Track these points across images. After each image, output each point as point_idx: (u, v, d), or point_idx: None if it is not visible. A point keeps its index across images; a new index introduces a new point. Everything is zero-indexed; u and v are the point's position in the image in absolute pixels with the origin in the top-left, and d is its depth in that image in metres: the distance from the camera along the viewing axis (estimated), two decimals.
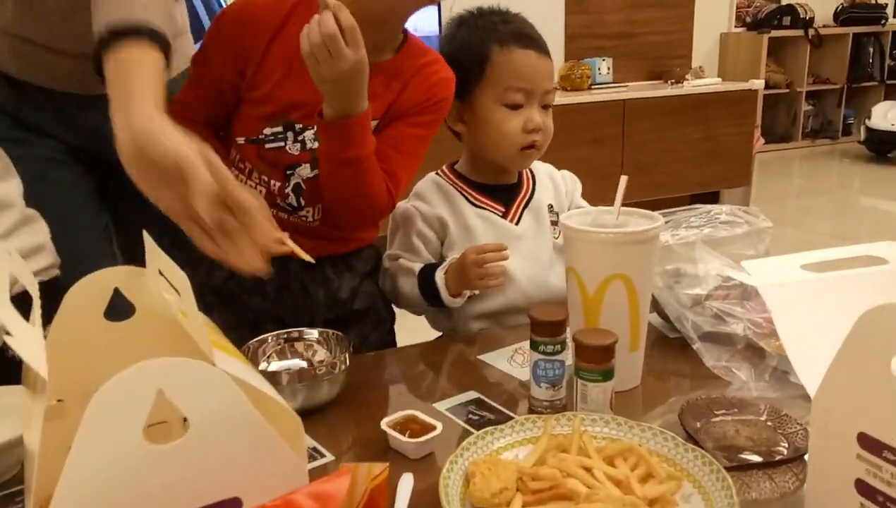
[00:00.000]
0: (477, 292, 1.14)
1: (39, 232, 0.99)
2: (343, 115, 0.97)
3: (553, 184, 1.28)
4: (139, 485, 0.45)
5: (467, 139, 1.21)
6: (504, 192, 1.24)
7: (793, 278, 0.67)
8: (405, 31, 1.11)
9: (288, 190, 1.11)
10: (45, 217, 1.03)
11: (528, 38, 1.15)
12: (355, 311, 1.19)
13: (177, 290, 0.57)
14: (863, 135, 5.56)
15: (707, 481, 0.66)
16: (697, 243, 0.98)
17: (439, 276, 1.12)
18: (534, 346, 0.84)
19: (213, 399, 0.46)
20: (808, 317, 0.60)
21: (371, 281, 1.21)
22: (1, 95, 1.14)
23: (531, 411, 0.85)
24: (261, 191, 1.11)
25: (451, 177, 1.24)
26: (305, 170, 1.10)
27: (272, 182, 1.11)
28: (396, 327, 1.28)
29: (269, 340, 0.92)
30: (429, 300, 1.14)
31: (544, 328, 0.83)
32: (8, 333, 0.46)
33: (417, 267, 1.16)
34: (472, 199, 1.21)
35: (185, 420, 0.48)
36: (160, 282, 0.62)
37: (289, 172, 1.10)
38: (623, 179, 0.90)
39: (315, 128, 1.05)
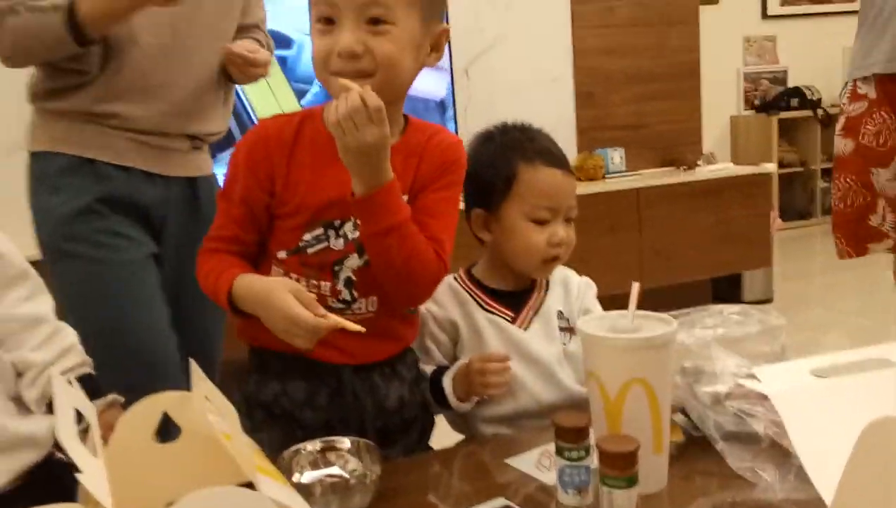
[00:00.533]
0: (486, 397, 1.18)
1: (68, 336, 1.13)
2: (373, 186, 1.02)
3: (565, 290, 1.33)
4: None
5: (491, 246, 1.27)
6: (515, 298, 1.29)
7: (802, 384, 0.70)
8: (405, 115, 1.19)
9: (339, 286, 1.13)
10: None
11: (552, 155, 1.24)
12: (404, 421, 1.21)
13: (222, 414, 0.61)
14: None
15: None
16: (713, 343, 1.01)
17: (446, 381, 1.17)
18: (559, 452, 0.86)
19: None
20: (819, 423, 0.63)
21: (418, 390, 1.23)
22: (115, 186, 1.43)
23: None
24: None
25: (466, 281, 1.29)
26: (353, 261, 1.13)
27: (322, 284, 1.13)
28: None
29: (303, 451, 0.95)
30: (438, 402, 1.18)
31: (568, 434, 0.85)
32: (78, 470, 0.50)
33: (429, 370, 1.21)
34: (483, 304, 1.26)
35: None
36: (206, 406, 0.66)
37: (336, 268, 1.13)
38: (635, 286, 0.94)
39: (353, 219, 1.11)
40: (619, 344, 0.89)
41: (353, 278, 1.14)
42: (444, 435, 1.27)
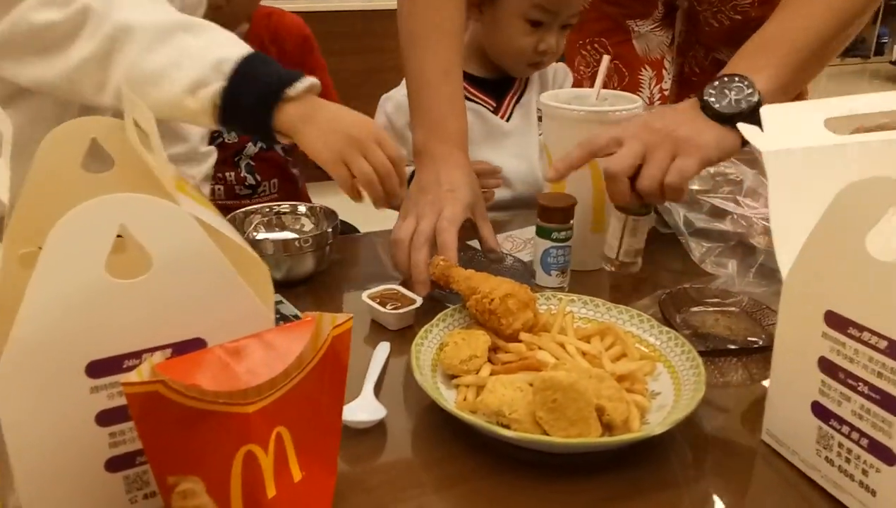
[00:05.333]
0: None
1: None
2: None
3: (541, 80, 1.26)
4: (100, 319, 0.45)
5: (476, 30, 1.17)
6: (496, 87, 1.21)
7: (808, 139, 0.62)
8: None
9: (243, 173, 1.21)
10: None
11: None
12: None
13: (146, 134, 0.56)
14: (894, 56, 5.36)
15: (678, 361, 0.67)
16: None
17: None
18: (544, 234, 0.83)
19: (176, 237, 0.46)
20: (805, 195, 0.57)
21: None
22: None
23: None
24: (219, 189, 1.20)
25: None
26: (250, 148, 1.20)
27: (226, 175, 1.20)
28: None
29: (258, 211, 0.92)
30: None
31: (555, 214, 0.82)
32: None
33: (409, 170, 1.14)
34: (465, 92, 1.18)
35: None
36: (138, 135, 0.61)
37: (237, 158, 1.20)
38: (605, 59, 0.87)
39: None
40: (566, 115, 0.84)
41: (253, 163, 1.22)
42: None
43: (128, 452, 0.48)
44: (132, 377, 0.42)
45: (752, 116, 0.74)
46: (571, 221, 0.83)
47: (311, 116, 0.75)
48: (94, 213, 0.44)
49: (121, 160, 0.65)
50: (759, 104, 0.75)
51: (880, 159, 0.62)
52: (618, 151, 0.77)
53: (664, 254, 0.98)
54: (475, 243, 0.92)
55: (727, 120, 0.76)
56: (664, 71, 1.24)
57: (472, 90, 1.19)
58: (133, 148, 0.63)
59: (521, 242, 0.99)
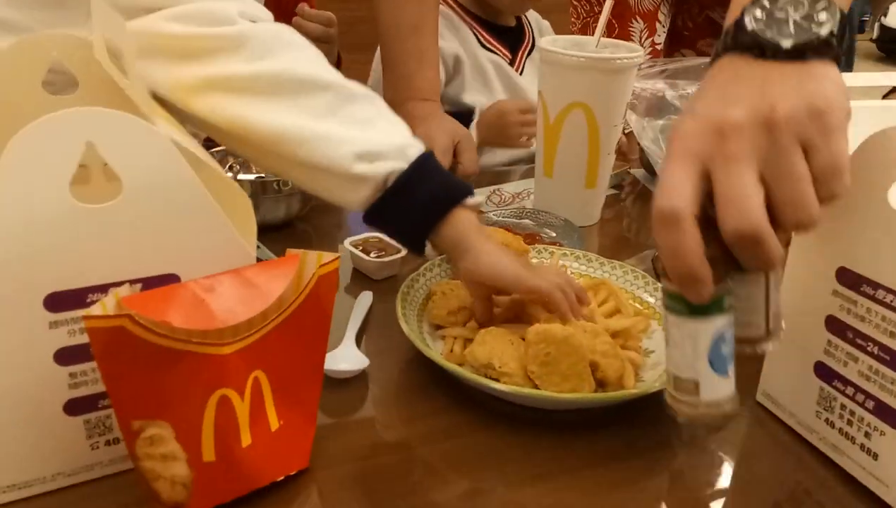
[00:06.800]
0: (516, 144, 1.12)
1: None
2: None
3: (540, 33, 1.24)
4: (62, 246, 0.41)
5: None
6: (510, 37, 1.19)
7: None
8: None
9: None
10: None
11: None
12: None
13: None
14: (875, 33, 5.37)
15: None
16: (691, 95, 0.92)
17: (473, 132, 1.07)
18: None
19: (149, 160, 0.42)
20: None
21: None
22: None
23: None
24: None
25: (457, 8, 1.17)
26: None
27: None
28: None
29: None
30: None
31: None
32: None
33: None
34: (482, 40, 1.16)
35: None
36: (107, 51, 0.56)
37: None
38: (609, 1, 0.83)
39: None
40: (565, 61, 0.80)
41: None
42: None
43: (90, 394, 0.44)
44: (95, 310, 0.38)
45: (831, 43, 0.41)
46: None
47: (490, 236, 0.63)
48: (58, 127, 0.39)
49: (85, 81, 0.59)
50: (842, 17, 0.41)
51: (883, 116, 0.60)
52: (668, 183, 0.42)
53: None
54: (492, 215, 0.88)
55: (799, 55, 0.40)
56: (657, 24, 1.20)
57: (489, 38, 1.16)
58: (101, 67, 0.57)
59: (508, 196, 0.96)
